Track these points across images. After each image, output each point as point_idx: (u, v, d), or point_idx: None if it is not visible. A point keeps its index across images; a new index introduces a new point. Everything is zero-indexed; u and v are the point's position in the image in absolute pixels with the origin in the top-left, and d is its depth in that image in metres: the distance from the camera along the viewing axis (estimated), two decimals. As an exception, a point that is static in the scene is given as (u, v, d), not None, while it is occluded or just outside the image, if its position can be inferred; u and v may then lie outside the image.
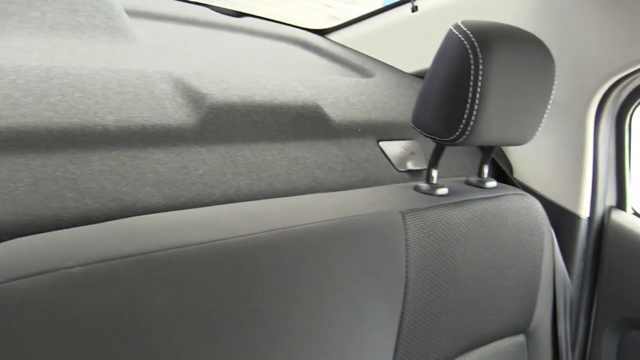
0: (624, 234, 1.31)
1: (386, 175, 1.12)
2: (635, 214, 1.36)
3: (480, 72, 0.89)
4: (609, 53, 1.19)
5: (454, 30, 0.93)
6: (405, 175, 1.15)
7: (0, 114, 0.78)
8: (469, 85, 0.90)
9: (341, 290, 0.81)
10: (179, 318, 0.67)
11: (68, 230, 0.71)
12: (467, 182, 1.12)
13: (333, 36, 1.59)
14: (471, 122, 0.91)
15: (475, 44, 0.89)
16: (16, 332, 0.59)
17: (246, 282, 0.73)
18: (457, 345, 0.99)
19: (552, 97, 1.02)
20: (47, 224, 0.75)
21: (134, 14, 1.29)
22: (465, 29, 0.92)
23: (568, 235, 1.32)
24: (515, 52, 0.93)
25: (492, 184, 1.11)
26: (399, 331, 0.88)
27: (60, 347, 0.60)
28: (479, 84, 0.89)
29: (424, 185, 1.02)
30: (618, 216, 1.33)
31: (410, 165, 1.17)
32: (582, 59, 1.23)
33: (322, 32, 1.60)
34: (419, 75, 1.46)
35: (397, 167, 1.15)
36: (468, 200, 1.01)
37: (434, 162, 1.03)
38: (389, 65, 1.47)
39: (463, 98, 0.90)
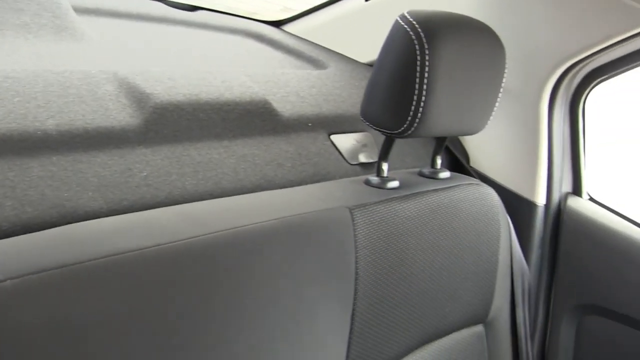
0: (580, 220, 1.32)
1: (337, 170, 1.11)
2: (592, 199, 1.37)
3: (427, 63, 0.88)
4: (561, 40, 1.19)
5: (400, 21, 0.92)
6: (357, 168, 1.15)
7: None
8: (415, 77, 0.89)
9: (288, 291, 0.80)
10: (118, 328, 0.66)
11: (3, 240, 0.70)
12: (420, 174, 1.11)
13: (288, 27, 1.58)
14: (419, 114, 0.90)
15: (421, 34, 0.89)
16: None
17: (187, 287, 0.72)
18: (414, 339, 0.99)
19: (503, 85, 1.01)
20: None
21: (83, 11, 1.26)
22: (411, 19, 0.91)
23: (525, 223, 1.33)
24: (463, 41, 0.93)
25: (445, 174, 1.11)
26: (351, 329, 0.88)
27: None
28: (426, 74, 0.89)
29: (374, 178, 1.01)
30: (574, 202, 1.34)
31: (362, 158, 1.16)
32: (534, 46, 1.23)
33: (278, 24, 1.59)
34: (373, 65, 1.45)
35: (349, 161, 1.14)
36: (420, 192, 1.01)
37: (384, 155, 1.02)
38: (344, 56, 1.46)
39: (410, 90, 0.90)
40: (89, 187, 0.83)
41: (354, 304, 0.88)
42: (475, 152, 1.40)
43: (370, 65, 1.45)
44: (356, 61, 1.44)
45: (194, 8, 1.48)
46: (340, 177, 1.09)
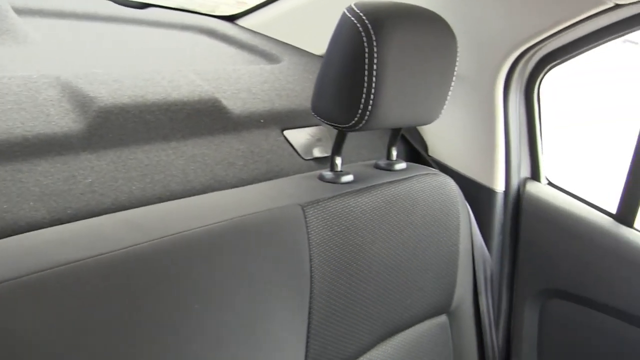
0: (539, 205, 1.32)
1: (291, 166, 1.10)
2: (550, 184, 1.38)
3: (375, 55, 0.87)
4: (512, 26, 1.18)
5: (347, 13, 0.91)
6: (312, 163, 1.14)
7: None
8: (364, 69, 0.88)
9: (241, 293, 0.79)
10: (62, 342, 0.65)
11: None
12: (376, 166, 1.11)
13: (242, 22, 1.55)
14: (369, 107, 0.89)
15: (369, 26, 0.87)
16: None
17: (134, 297, 0.70)
18: (376, 333, 0.98)
19: (455, 73, 1.01)
20: None
21: (26, 12, 1.23)
22: (358, 10, 0.90)
23: (485, 210, 1.33)
24: (412, 31, 0.92)
25: (401, 165, 1.10)
26: (309, 327, 0.87)
27: None
28: (375, 67, 0.87)
29: (328, 173, 1.00)
30: (533, 187, 1.34)
31: (316, 153, 1.15)
32: (487, 34, 1.22)
33: (231, 18, 1.56)
34: None
35: (303, 156, 1.13)
36: (375, 185, 1.00)
37: (336, 150, 1.01)
38: (298, 49, 1.44)
39: (359, 82, 0.88)
40: (30, 197, 0.81)
41: (310, 302, 0.87)
42: (434, 141, 1.40)
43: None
44: (311, 54, 1.43)
45: (144, 5, 1.45)
46: (294, 173, 1.08)
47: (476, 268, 1.20)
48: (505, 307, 1.41)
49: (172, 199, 0.92)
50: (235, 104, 1.10)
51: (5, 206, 0.78)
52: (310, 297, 0.87)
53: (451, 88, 1.01)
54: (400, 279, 1.01)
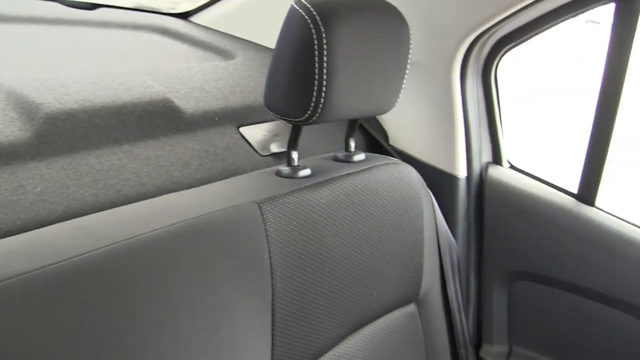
0: (501, 189, 1.33)
1: (248, 163, 1.09)
2: (512, 167, 1.38)
3: (325, 47, 0.86)
4: (465, 11, 1.18)
5: (295, 6, 0.89)
6: (270, 159, 1.13)
7: None
8: (314, 62, 0.86)
9: (201, 295, 0.78)
10: (11, 357, 0.63)
11: None
12: (335, 158, 1.09)
13: (197, 18, 1.53)
14: (322, 99, 0.88)
15: (317, 18, 0.86)
16: None
17: (89, 304, 0.69)
18: (343, 327, 0.98)
19: (409, 61, 1.00)
20: None
21: None
22: (305, 2, 0.88)
23: (448, 197, 1.33)
24: (362, 20, 0.91)
25: (360, 157, 1.09)
26: (273, 325, 0.86)
27: None
28: (325, 59, 0.86)
29: (285, 168, 0.99)
30: (495, 172, 1.35)
31: (274, 148, 1.14)
32: (440, 20, 1.22)
33: (185, 15, 1.54)
34: None
35: (260, 152, 1.12)
36: (333, 178, 0.99)
37: (292, 144, 0.99)
38: (253, 44, 1.43)
39: (310, 76, 0.87)
40: None
41: (273, 300, 0.86)
42: (394, 131, 1.39)
43: None
44: (266, 48, 1.41)
45: (93, 6, 1.42)
46: (252, 170, 1.06)
47: (442, 255, 1.20)
48: (474, 292, 1.42)
49: (127, 203, 0.90)
50: (188, 103, 1.09)
51: None
52: (273, 295, 0.85)
53: (406, 76, 1.00)
54: (365, 271, 1.00)
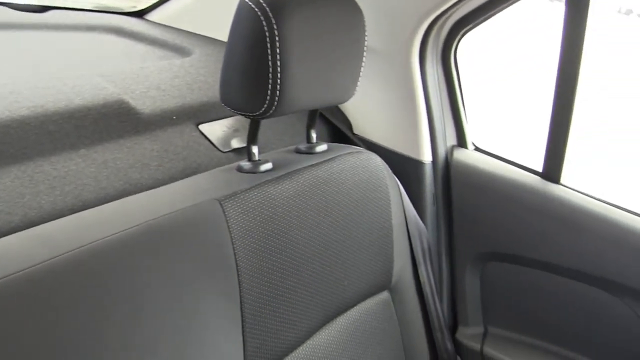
0: (467, 171, 1.33)
1: (209, 160, 1.07)
2: (477, 149, 1.38)
3: (277, 39, 0.84)
4: None
5: None
6: (231, 155, 1.11)
7: None
8: (267, 54, 0.85)
9: (166, 298, 0.76)
10: None
11: None
12: (297, 151, 1.08)
13: (152, 16, 1.51)
14: (277, 92, 0.87)
15: (267, 9, 0.85)
16: None
17: (51, 314, 0.67)
18: (315, 319, 0.97)
19: (365, 48, 0.99)
20: None
21: None
22: None
23: (415, 183, 1.33)
24: (314, 9, 0.89)
25: (322, 147, 1.08)
26: (243, 323, 0.85)
27: None
28: (278, 50, 0.85)
29: (246, 164, 0.98)
30: (460, 154, 1.35)
31: (235, 144, 1.12)
32: (395, 4, 1.21)
33: (140, 14, 1.51)
34: None
35: (221, 149, 1.10)
36: (295, 170, 0.98)
37: (252, 138, 0.98)
38: (211, 39, 1.41)
39: (264, 68, 0.86)
40: None
41: (241, 297, 0.85)
42: (357, 119, 1.38)
43: None
44: (224, 43, 1.38)
45: (44, 8, 1.39)
46: (213, 167, 1.04)
47: (412, 241, 1.19)
48: (447, 275, 1.42)
49: (86, 209, 0.88)
50: (144, 103, 1.07)
51: None
52: (240, 292, 0.84)
53: (363, 63, 1.00)
54: (334, 262, 1.00)
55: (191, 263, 0.80)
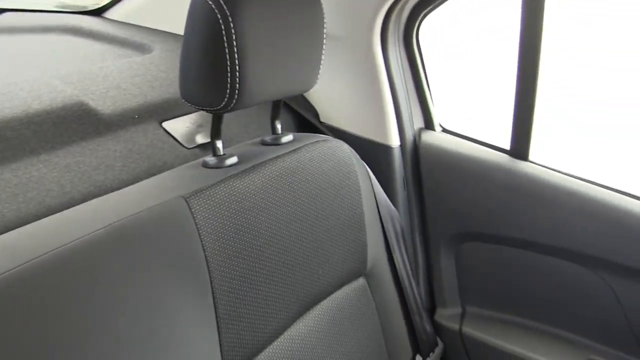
0: (436, 153, 1.33)
1: (175, 157, 1.06)
2: (444, 130, 1.38)
3: (233, 31, 0.83)
4: None
5: None
6: (197, 151, 1.10)
7: None
8: (224, 48, 0.84)
9: (136, 299, 0.75)
10: None
11: None
12: (263, 142, 1.07)
13: (111, 14, 1.48)
14: (237, 85, 0.86)
15: (221, 1, 0.83)
16: None
17: (14, 326, 0.66)
18: (292, 309, 0.97)
19: (325, 35, 0.98)
20: None
21: None
22: None
23: (384, 167, 1.33)
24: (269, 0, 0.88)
25: (288, 138, 1.07)
26: (218, 319, 0.84)
27: None
28: (235, 43, 0.84)
29: (211, 159, 0.96)
30: (428, 137, 1.35)
31: (199, 140, 1.11)
32: None
33: (99, 12, 1.49)
34: None
35: (186, 145, 1.09)
36: (261, 163, 0.97)
37: (215, 133, 0.97)
38: (172, 34, 1.39)
39: (222, 62, 0.85)
40: None
41: (214, 294, 0.84)
42: (324, 108, 1.38)
43: None
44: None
45: (-2, 11, 1.37)
46: (179, 165, 1.03)
47: (385, 226, 1.19)
48: (422, 258, 1.43)
49: (51, 214, 0.86)
50: (105, 103, 1.05)
51: None
52: (212, 288, 0.84)
53: (324, 51, 0.99)
54: (307, 251, 0.99)
55: (160, 262, 0.79)
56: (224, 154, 0.97)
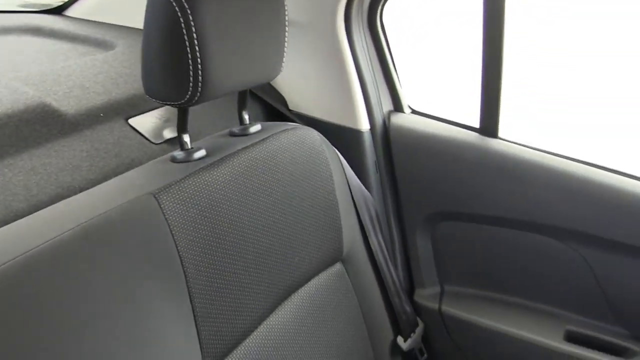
0: (406, 135, 1.33)
1: (143, 154, 1.05)
2: (414, 112, 1.38)
3: (192, 23, 0.82)
4: None
5: None
6: (165, 146, 1.09)
7: None
8: (184, 41, 0.83)
9: (110, 299, 0.75)
10: None
11: None
12: (231, 134, 1.07)
13: (72, 11, 1.46)
14: (200, 77, 0.85)
15: None
16: None
17: None
18: (269, 299, 0.97)
19: (287, 22, 0.97)
20: None
21: None
22: None
23: (356, 152, 1.33)
24: None
25: (256, 128, 1.07)
26: (195, 313, 0.83)
27: None
28: (195, 35, 0.83)
29: (179, 154, 0.96)
30: (397, 119, 1.35)
31: (167, 134, 1.10)
32: None
33: (59, 10, 1.46)
34: None
35: (154, 141, 1.08)
36: (230, 154, 0.96)
37: (182, 127, 0.96)
38: (135, 29, 1.37)
39: (183, 55, 0.83)
40: None
41: (189, 289, 0.84)
42: (292, 96, 1.37)
43: None
44: None
45: (-46, 15, 1.34)
46: (147, 161, 1.02)
47: (359, 210, 1.20)
48: (398, 240, 1.43)
49: (18, 218, 0.85)
50: (69, 103, 1.04)
51: None
52: (187, 283, 0.83)
53: (287, 38, 0.98)
54: (281, 241, 0.99)
55: (132, 260, 0.79)
56: (191, 148, 0.96)
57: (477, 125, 1.29)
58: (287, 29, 0.97)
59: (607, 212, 1.17)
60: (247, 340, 0.92)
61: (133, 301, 0.77)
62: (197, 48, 0.83)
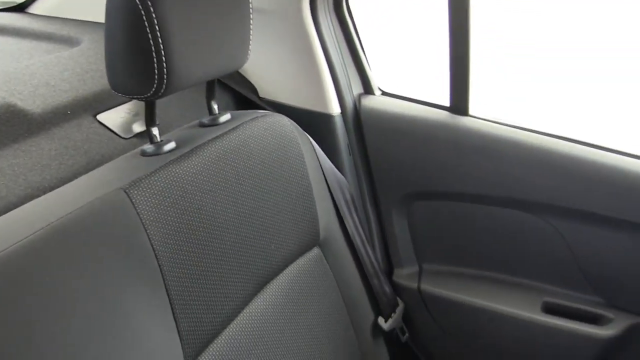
0: (377, 117, 1.34)
1: (113, 149, 1.04)
2: (384, 93, 1.39)
3: (154, 15, 0.82)
4: None
5: None
6: (135, 140, 1.08)
7: None
8: (147, 34, 0.82)
9: (88, 297, 0.75)
10: None
11: None
12: (201, 125, 1.06)
13: (35, 8, 1.44)
14: (164, 69, 0.84)
15: None
16: None
17: None
18: (248, 287, 0.97)
19: (251, 10, 0.97)
20: None
21: None
22: None
23: (328, 136, 1.33)
24: None
25: (225, 117, 1.06)
26: (172, 306, 0.84)
27: None
28: (157, 27, 0.82)
29: (149, 147, 0.95)
30: (368, 101, 1.35)
31: (136, 129, 1.10)
32: None
33: (21, 7, 1.44)
34: None
35: (123, 136, 1.07)
36: (200, 145, 0.96)
37: (150, 121, 0.95)
38: (100, 24, 1.35)
39: (146, 48, 0.83)
40: None
41: (165, 281, 0.84)
42: (262, 83, 1.37)
43: None
44: None
45: None
46: (118, 156, 1.02)
47: (334, 194, 1.20)
48: (375, 222, 1.44)
49: None
50: (34, 102, 1.03)
51: None
52: (163, 276, 0.83)
53: (252, 25, 0.98)
54: (257, 228, 0.99)
55: (105, 257, 0.78)
56: (161, 141, 0.96)
57: (447, 104, 1.30)
58: (252, 16, 0.97)
59: (578, 183, 1.19)
60: (228, 329, 0.92)
61: (108, 298, 0.77)
62: (160, 40, 0.82)
